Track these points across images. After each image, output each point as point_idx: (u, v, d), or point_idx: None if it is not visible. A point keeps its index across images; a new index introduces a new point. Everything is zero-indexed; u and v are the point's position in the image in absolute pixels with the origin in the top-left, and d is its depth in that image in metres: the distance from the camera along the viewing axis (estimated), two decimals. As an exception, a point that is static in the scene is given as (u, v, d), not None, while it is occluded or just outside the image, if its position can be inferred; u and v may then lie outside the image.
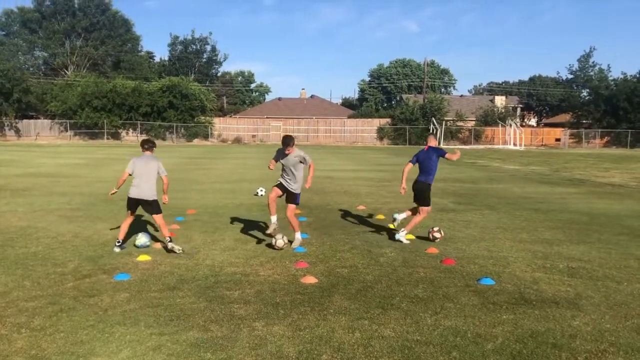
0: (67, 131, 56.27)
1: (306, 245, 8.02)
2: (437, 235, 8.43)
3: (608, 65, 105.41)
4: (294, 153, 7.92)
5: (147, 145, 7.85)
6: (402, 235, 8.43)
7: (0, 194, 13.56)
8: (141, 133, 56.82)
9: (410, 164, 8.63)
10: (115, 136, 56.69)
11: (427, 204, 8.59)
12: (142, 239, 7.85)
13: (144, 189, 7.51)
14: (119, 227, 8.21)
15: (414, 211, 8.80)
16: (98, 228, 9.23)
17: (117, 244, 7.69)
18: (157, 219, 7.63)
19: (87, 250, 7.58)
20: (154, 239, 8.27)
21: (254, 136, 61.45)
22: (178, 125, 56.97)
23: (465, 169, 25.20)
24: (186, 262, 7.02)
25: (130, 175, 7.61)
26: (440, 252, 7.77)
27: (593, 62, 73.60)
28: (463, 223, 10.25)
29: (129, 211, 7.71)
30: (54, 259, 7.07)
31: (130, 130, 57.09)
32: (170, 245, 7.55)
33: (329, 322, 4.95)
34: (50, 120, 56.79)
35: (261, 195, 13.68)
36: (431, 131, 56.82)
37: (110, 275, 6.34)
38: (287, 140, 7.95)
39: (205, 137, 58.48)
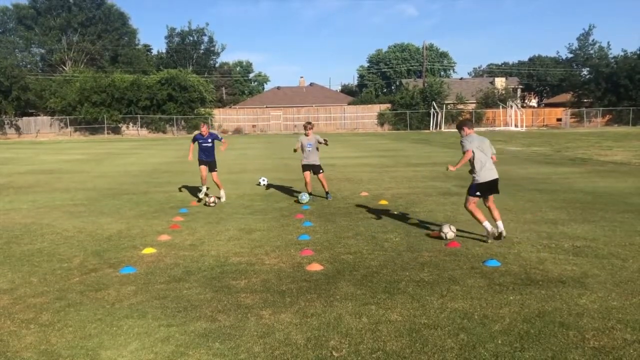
0: (67, 127, 56.25)
1: (311, 233, 8.03)
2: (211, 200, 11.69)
3: (608, 42, 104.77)
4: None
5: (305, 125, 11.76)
6: (223, 194, 11.64)
7: (3, 191, 13.58)
8: (141, 127, 56.81)
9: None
10: (116, 131, 56.65)
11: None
12: (303, 196, 10.95)
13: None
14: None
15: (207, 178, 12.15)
16: (102, 223, 9.25)
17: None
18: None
19: (91, 245, 7.60)
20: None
21: (254, 126, 61.38)
22: (178, 118, 56.90)
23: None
24: (191, 254, 7.03)
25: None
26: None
27: (593, 40, 72.96)
28: (466, 206, 10.23)
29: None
30: (59, 255, 7.09)
31: (131, 124, 57.04)
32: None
33: (336, 308, 4.96)
34: (50, 117, 56.75)
35: (263, 185, 13.61)
36: (432, 114, 56.74)
37: (115, 269, 6.35)
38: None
39: (206, 128, 58.35)
